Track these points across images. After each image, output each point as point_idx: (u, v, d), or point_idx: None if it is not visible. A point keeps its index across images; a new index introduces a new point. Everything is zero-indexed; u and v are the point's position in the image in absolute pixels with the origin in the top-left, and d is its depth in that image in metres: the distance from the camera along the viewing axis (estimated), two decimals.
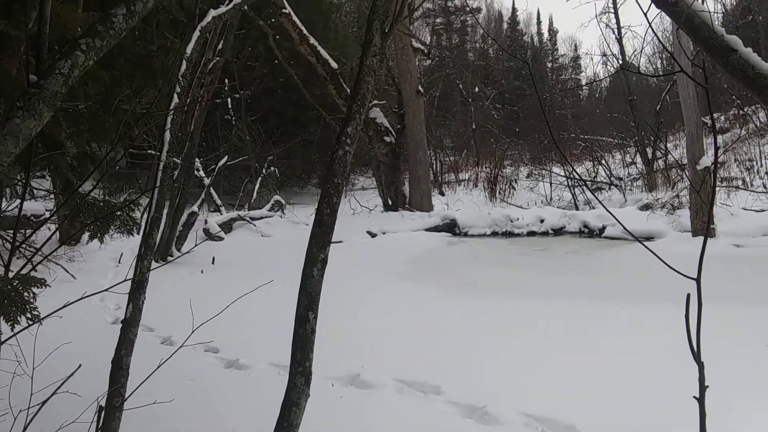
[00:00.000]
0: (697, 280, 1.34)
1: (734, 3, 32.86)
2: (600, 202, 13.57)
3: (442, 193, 17.72)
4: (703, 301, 5.51)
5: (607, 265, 9.13)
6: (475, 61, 36.76)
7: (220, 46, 11.60)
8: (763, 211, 10.91)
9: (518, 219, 12.14)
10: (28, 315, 2.07)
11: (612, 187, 16.12)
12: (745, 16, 30.63)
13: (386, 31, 2.71)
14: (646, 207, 11.92)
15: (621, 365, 4.71)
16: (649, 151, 17.13)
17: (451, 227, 12.38)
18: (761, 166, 15.43)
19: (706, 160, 10.41)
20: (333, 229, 2.27)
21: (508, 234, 12.02)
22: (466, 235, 12.14)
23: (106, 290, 2.26)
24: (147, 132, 8.91)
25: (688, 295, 1.47)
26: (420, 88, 15.00)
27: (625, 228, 1.76)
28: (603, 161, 17.50)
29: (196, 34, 3.89)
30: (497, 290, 7.74)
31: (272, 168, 16.54)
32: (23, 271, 2.09)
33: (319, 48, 13.98)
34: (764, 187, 13.21)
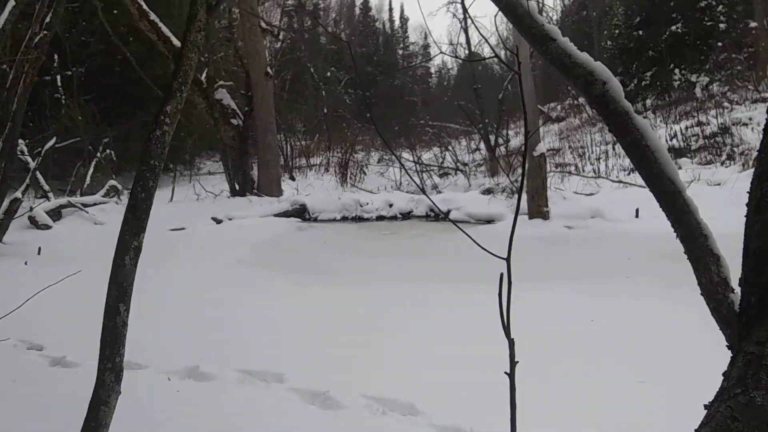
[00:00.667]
0: (507, 259, 1.38)
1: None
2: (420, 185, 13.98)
3: (292, 178, 17.49)
4: (539, 280, 5.77)
5: (450, 248, 9.41)
6: (326, 45, 36.67)
7: (48, 19, 10.56)
8: (593, 194, 11.77)
9: (368, 204, 12.24)
10: None
11: (458, 172, 16.70)
12: (580, 11, 33.01)
13: (212, 5, 2.52)
14: (487, 191, 12.45)
15: (459, 345, 4.84)
16: (492, 138, 17.93)
17: (300, 212, 12.24)
18: (592, 152, 16.67)
19: (542, 147, 11.02)
20: (148, 215, 2.08)
21: (358, 219, 12.09)
22: (316, 220, 12.05)
23: None
24: None
25: (501, 275, 1.51)
26: (269, 70, 14.63)
27: (439, 209, 1.70)
28: (450, 147, 18.09)
29: (11, 4, 3.43)
30: (345, 276, 7.76)
31: (108, 151, 15.47)
32: None
33: (161, 25, 13.17)
34: (594, 172, 14.26)
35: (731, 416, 0.75)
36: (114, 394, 2.02)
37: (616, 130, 1.64)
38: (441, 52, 11.13)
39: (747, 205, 0.99)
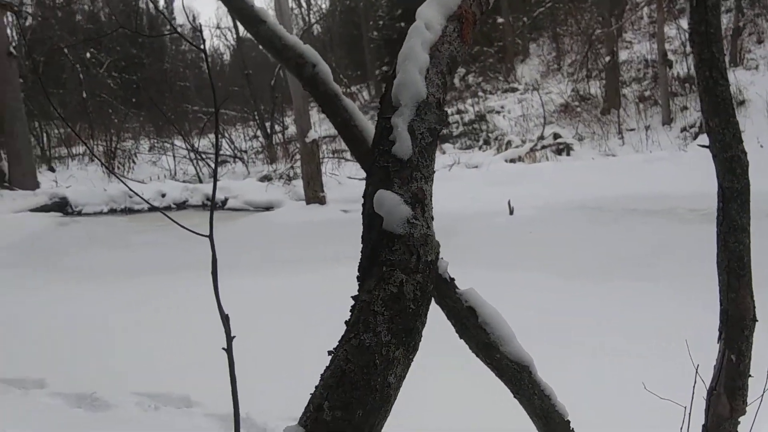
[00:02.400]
0: (210, 237, 1.41)
1: None
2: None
3: (51, 169, 15.93)
4: (315, 265, 5.92)
5: (230, 236, 9.31)
6: (84, 24, 33.67)
7: None
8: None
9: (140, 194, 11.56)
10: None
11: (236, 160, 16.44)
12: (346, 1, 33.99)
13: None
14: (265, 178, 12.46)
15: (219, 333, 4.81)
16: (268, 125, 17.90)
17: (62, 206, 11.26)
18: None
19: (313, 134, 11.26)
20: None
21: (128, 210, 11.41)
22: (80, 214, 11.16)
23: None
24: None
25: (213, 254, 1.54)
26: (12, 50, 13.09)
27: (141, 197, 1.69)
28: (226, 134, 17.73)
29: None
30: (115, 271, 7.39)
31: None
32: None
33: None
34: None
35: (345, 358, 0.85)
36: None
37: (327, 111, 1.70)
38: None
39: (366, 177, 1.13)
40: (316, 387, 0.86)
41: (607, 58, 16.87)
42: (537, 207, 9.14)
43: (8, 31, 14.11)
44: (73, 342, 4.92)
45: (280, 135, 18.06)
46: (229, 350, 1.52)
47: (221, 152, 16.85)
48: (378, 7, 28.82)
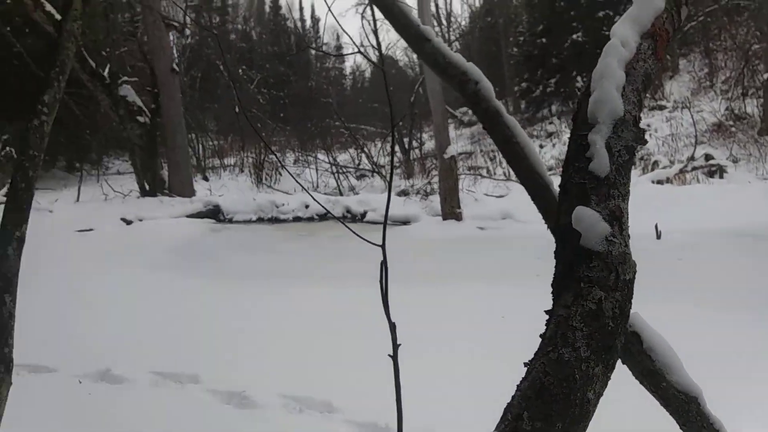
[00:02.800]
0: (382, 246, 1.46)
1: (479, 5, 36.27)
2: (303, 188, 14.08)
3: (206, 178, 17.12)
4: (451, 280, 5.94)
5: (369, 249, 9.49)
6: (237, 42, 36.02)
7: None
8: (503, 197, 12.18)
9: (284, 204, 12.18)
10: None
11: (374, 174, 16.85)
12: (486, 18, 33.94)
13: None
14: (403, 193, 12.65)
15: (376, 344, 4.91)
16: (406, 140, 18.21)
17: (215, 213, 12.04)
18: (503, 156, 17.19)
19: (452, 149, 11.31)
20: (30, 205, 2.10)
21: (274, 220, 12.01)
22: (230, 221, 11.89)
23: None
24: None
25: (382, 262, 1.60)
26: (175, 66, 14.25)
27: (324, 208, 1.76)
28: (365, 149, 18.23)
29: None
30: (261, 276, 7.73)
31: (7, 148, 14.63)
32: None
33: (58, 16, 12.57)
34: (504, 175, 14.75)
35: (544, 371, 0.86)
36: (5, 384, 2.01)
37: (488, 127, 1.74)
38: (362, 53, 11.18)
39: (559, 186, 1.14)
40: (513, 397, 0.88)
41: (766, 75, 15.64)
42: (687, 232, 8.60)
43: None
44: (225, 341, 5.17)
45: (417, 151, 18.31)
46: (394, 357, 1.58)
47: (360, 166, 17.35)
48: (518, 23, 28.52)
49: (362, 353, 4.76)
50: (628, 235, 1.06)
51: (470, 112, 27.07)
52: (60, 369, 4.63)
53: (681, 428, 1.39)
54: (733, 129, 15.71)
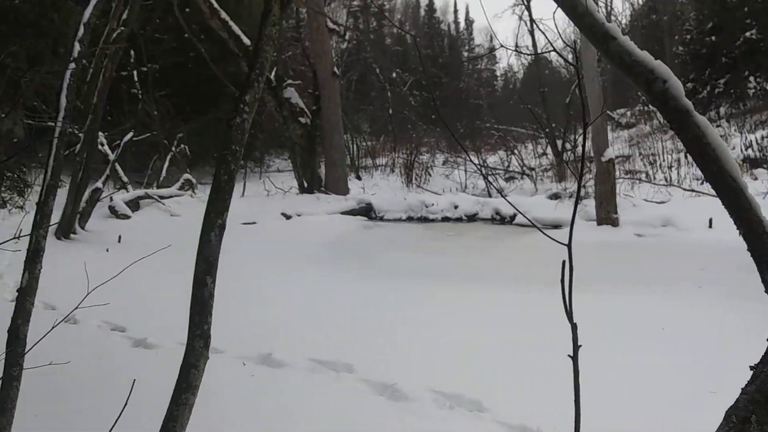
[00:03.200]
0: (569, 245, 1.43)
1: (641, 2, 34.47)
2: (493, 186, 13.92)
3: (359, 177, 17.72)
4: (608, 288, 5.70)
5: (517, 251, 9.39)
6: (392, 46, 36.87)
7: (124, 16, 11.04)
8: (664, 202, 11.51)
9: (433, 205, 12.32)
10: None
11: (524, 176, 16.58)
12: (649, 15, 32.21)
13: (285, 1, 2.70)
14: (554, 196, 12.34)
15: (527, 346, 4.85)
16: (559, 142, 17.73)
17: (367, 211, 12.42)
18: (663, 160, 16.27)
19: (610, 152, 10.85)
20: (231, 195, 2.29)
21: (423, 219, 12.18)
22: (381, 219, 12.21)
23: None
24: (47, 99, 8.36)
25: (564, 261, 1.56)
26: (336, 70, 14.86)
27: (522, 214, 1.76)
28: (516, 151, 17.97)
29: None
30: (411, 273, 7.82)
31: (182, 146, 16.01)
32: None
33: (231, 23, 13.56)
34: (665, 180, 13.93)
35: None
36: (203, 358, 2.15)
37: (677, 127, 1.66)
38: (515, 50, 11.05)
39: None
40: (738, 400, 0.87)
41: None
42: None
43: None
44: (377, 334, 5.29)
45: (570, 153, 17.77)
46: (574, 358, 1.57)
47: (509, 168, 17.15)
48: (684, 20, 26.78)
49: (512, 354, 4.72)
50: None
51: (629, 113, 25.83)
52: (227, 351, 4.94)
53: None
54: None
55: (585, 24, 1.79)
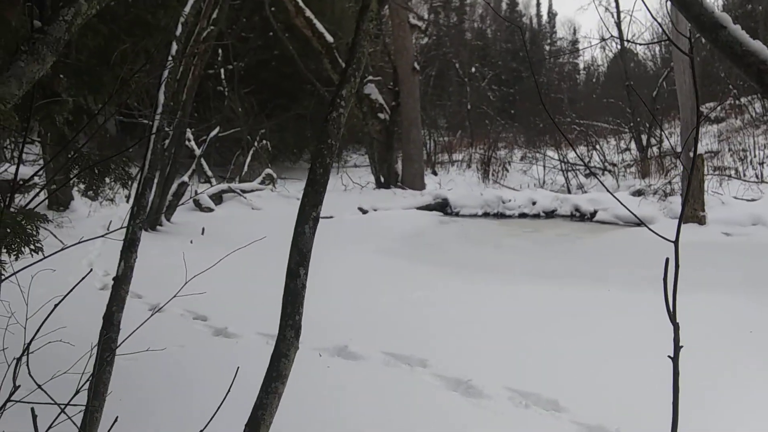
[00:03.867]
0: (675, 242, 1.40)
1: None
2: (602, 184, 13.63)
3: (435, 173, 17.72)
4: (692, 288, 5.49)
5: (597, 249, 9.19)
6: (472, 41, 36.57)
7: (214, 15, 11.45)
8: (754, 200, 10.98)
9: (510, 200, 12.18)
10: (32, 246, 2.07)
11: (605, 172, 16.16)
12: (744, 5, 30.64)
13: None
14: (638, 193, 11.97)
15: (605, 346, 4.76)
16: (644, 137, 17.16)
17: (443, 206, 12.41)
18: (755, 156, 15.50)
19: (699, 147, 10.44)
20: (325, 189, 2.32)
21: (500, 215, 12.07)
22: (457, 214, 12.18)
23: (102, 236, 2.27)
24: (139, 96, 8.81)
25: (667, 259, 1.54)
26: (416, 65, 14.91)
27: (627, 208, 1.76)
28: (597, 146, 17.52)
29: None
30: (486, 269, 7.79)
31: (264, 141, 16.46)
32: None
33: (315, 21, 13.83)
34: (756, 177, 13.28)
35: None
36: (293, 348, 2.21)
37: None
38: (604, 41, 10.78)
39: None
40: None
41: None
42: None
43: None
44: (453, 329, 5.32)
45: (655, 149, 17.16)
46: (675, 359, 1.56)
47: (590, 164, 16.74)
48: None
49: (588, 353, 4.64)
50: None
51: (718, 108, 24.65)
52: (304, 342, 5.09)
53: None
54: None
55: (693, 13, 1.74)
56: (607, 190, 2.06)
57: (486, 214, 12.16)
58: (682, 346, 1.73)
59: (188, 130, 13.81)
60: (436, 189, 13.87)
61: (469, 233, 10.44)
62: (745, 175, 13.82)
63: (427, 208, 12.22)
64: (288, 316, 2.18)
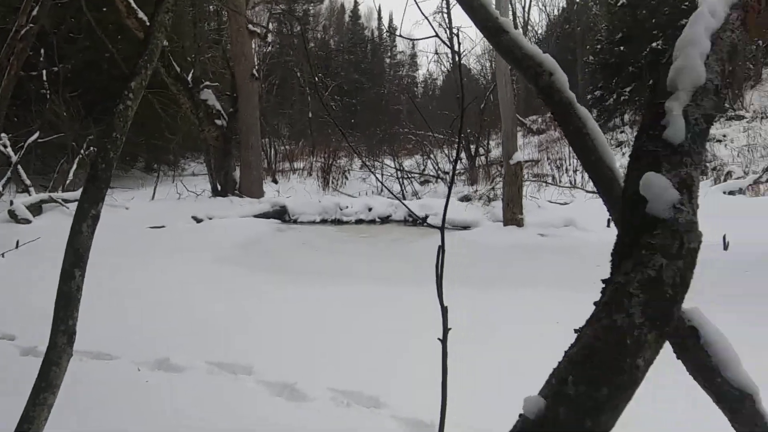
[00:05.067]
0: (441, 228, 1.51)
1: (557, 14, 35.78)
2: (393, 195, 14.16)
3: (275, 181, 17.60)
4: (511, 284, 5.85)
5: (427, 252, 9.56)
6: (315, 51, 36.85)
7: (34, 12, 10.67)
8: (567, 204, 12.01)
9: (347, 207, 12.40)
10: None
11: (439, 180, 16.92)
12: (564, 25, 33.46)
13: None
14: (465, 198, 12.66)
15: (423, 342, 4.95)
16: (473, 147, 18.18)
17: (281, 214, 12.36)
18: (570, 164, 16.98)
19: (519, 156, 11.24)
20: (108, 185, 2.21)
21: (338, 221, 12.23)
22: (295, 222, 12.18)
23: None
24: None
25: (439, 247, 1.64)
26: (255, 72, 14.75)
27: (410, 211, 1.85)
28: (432, 156, 18.31)
29: None
30: (320, 275, 7.85)
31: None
32: None
33: (149, 23, 13.26)
34: (570, 183, 14.54)
35: (594, 336, 0.85)
36: (65, 355, 2.07)
37: (560, 118, 1.71)
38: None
39: (629, 156, 1.11)
40: (560, 362, 0.87)
41: None
42: (756, 244, 8.27)
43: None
44: (280, 334, 5.32)
45: (483, 158, 18.26)
46: (444, 341, 1.63)
47: (424, 172, 17.47)
48: (597, 31, 28.00)
49: (411, 351, 4.77)
50: (698, 205, 1.03)
51: (539, 120, 26.74)
52: (121, 356, 4.79)
53: (732, 425, 1.35)
54: None
55: (479, 18, 1.81)
56: (396, 195, 2.17)
57: (324, 221, 12.27)
58: (450, 329, 1.82)
59: (3, 135, 12.69)
60: (275, 197, 13.78)
61: (305, 239, 10.48)
62: (561, 181, 15.09)
63: (265, 215, 12.11)
64: (60, 320, 2.06)
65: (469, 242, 9.97)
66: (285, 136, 24.70)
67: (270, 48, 27.09)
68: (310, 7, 39.56)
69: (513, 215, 10.58)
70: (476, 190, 13.59)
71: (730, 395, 1.30)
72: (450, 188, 1.57)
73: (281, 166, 19.97)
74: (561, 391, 0.82)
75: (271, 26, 19.34)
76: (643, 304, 0.87)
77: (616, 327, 0.85)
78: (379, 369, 4.47)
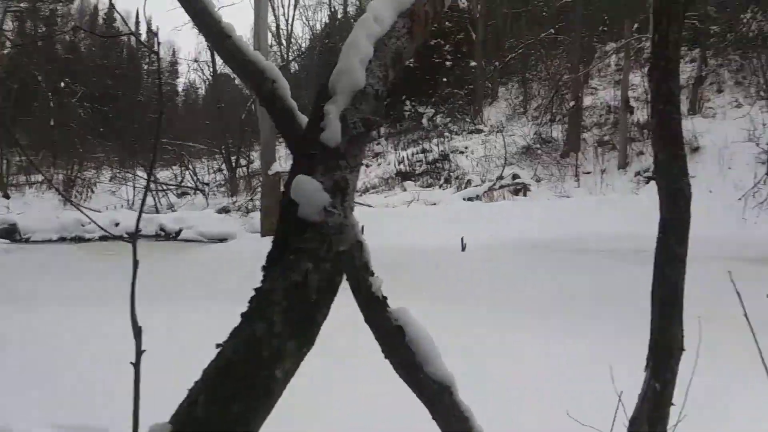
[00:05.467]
0: (133, 240, 1.36)
1: (320, 28, 36.79)
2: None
3: (6, 196, 15.66)
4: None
5: (183, 267, 9.23)
6: (63, 54, 33.75)
7: None
8: None
9: (90, 223, 11.38)
10: None
11: (197, 191, 16.32)
12: (326, 39, 34.45)
13: None
14: (223, 210, 12.32)
15: (158, 368, 4.67)
16: (234, 158, 17.86)
17: (10, 233, 11.01)
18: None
19: (277, 166, 11.21)
20: None
21: (79, 239, 11.19)
22: (27, 241, 10.90)
23: None
24: None
25: (135, 262, 1.48)
26: None
27: (101, 227, 1.62)
28: (190, 167, 17.63)
29: None
30: (55, 301, 7.10)
31: None
32: None
33: None
34: None
35: (233, 350, 0.80)
36: None
37: (282, 127, 1.67)
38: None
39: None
40: (196, 382, 0.80)
41: (572, 103, 17.14)
42: (489, 245, 9.13)
43: None
44: None
45: (244, 169, 17.99)
46: (136, 365, 1.47)
47: (182, 184, 16.74)
48: None
49: (162, 374, 4.48)
50: (352, 208, 1.03)
51: None
52: None
53: (432, 417, 1.40)
54: (539, 151, 17.06)
55: (203, 22, 1.71)
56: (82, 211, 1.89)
57: (63, 239, 11.15)
58: (144, 351, 1.72)
59: None
60: (4, 213, 12.21)
61: (38, 261, 9.44)
62: None
63: None
64: None
65: (227, 254, 9.82)
66: (25, 146, 22.08)
67: (10, 50, 24.33)
68: (58, 7, 36.10)
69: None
70: (235, 202, 13.30)
71: (429, 389, 1.36)
72: (144, 199, 1.44)
73: (16, 180, 17.84)
74: (190, 414, 0.76)
75: (11, 25, 17.21)
76: (286, 311, 0.84)
77: (254, 338, 0.81)
78: (114, 399, 4.15)
